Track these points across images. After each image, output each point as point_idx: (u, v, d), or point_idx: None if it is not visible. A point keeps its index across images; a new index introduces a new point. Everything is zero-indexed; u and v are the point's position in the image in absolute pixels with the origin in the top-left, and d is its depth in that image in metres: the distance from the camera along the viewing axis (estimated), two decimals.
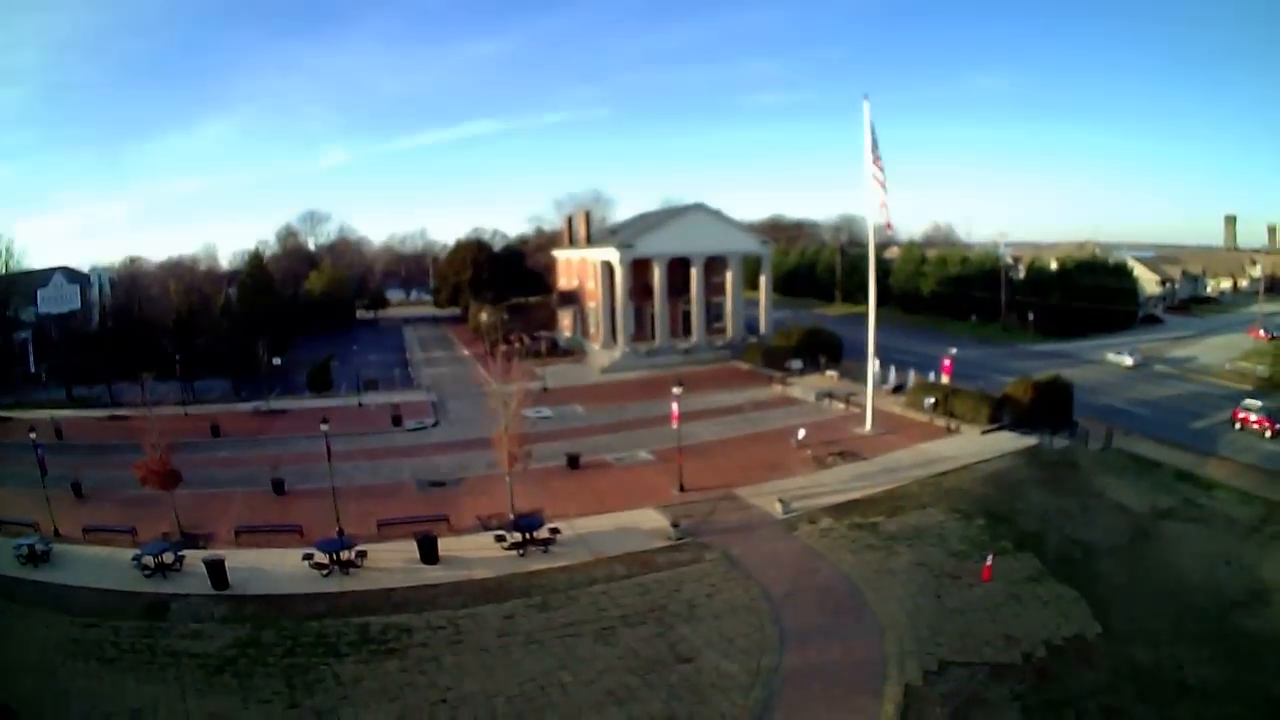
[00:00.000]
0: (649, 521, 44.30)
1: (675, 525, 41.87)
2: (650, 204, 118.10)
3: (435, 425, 72.24)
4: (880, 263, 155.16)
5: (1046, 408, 61.38)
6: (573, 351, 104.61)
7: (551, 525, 41.70)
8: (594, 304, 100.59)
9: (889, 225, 61.70)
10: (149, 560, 38.86)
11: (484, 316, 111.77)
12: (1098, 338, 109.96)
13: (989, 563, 36.06)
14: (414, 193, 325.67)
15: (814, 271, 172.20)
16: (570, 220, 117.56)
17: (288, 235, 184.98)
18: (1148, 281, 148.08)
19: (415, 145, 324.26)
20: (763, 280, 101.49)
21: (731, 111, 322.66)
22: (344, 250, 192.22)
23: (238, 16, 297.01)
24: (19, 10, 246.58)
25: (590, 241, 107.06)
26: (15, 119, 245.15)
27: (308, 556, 39.00)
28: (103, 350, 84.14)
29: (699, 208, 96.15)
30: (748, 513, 45.34)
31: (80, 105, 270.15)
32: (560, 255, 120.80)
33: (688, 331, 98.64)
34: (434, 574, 39.03)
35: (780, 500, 44.64)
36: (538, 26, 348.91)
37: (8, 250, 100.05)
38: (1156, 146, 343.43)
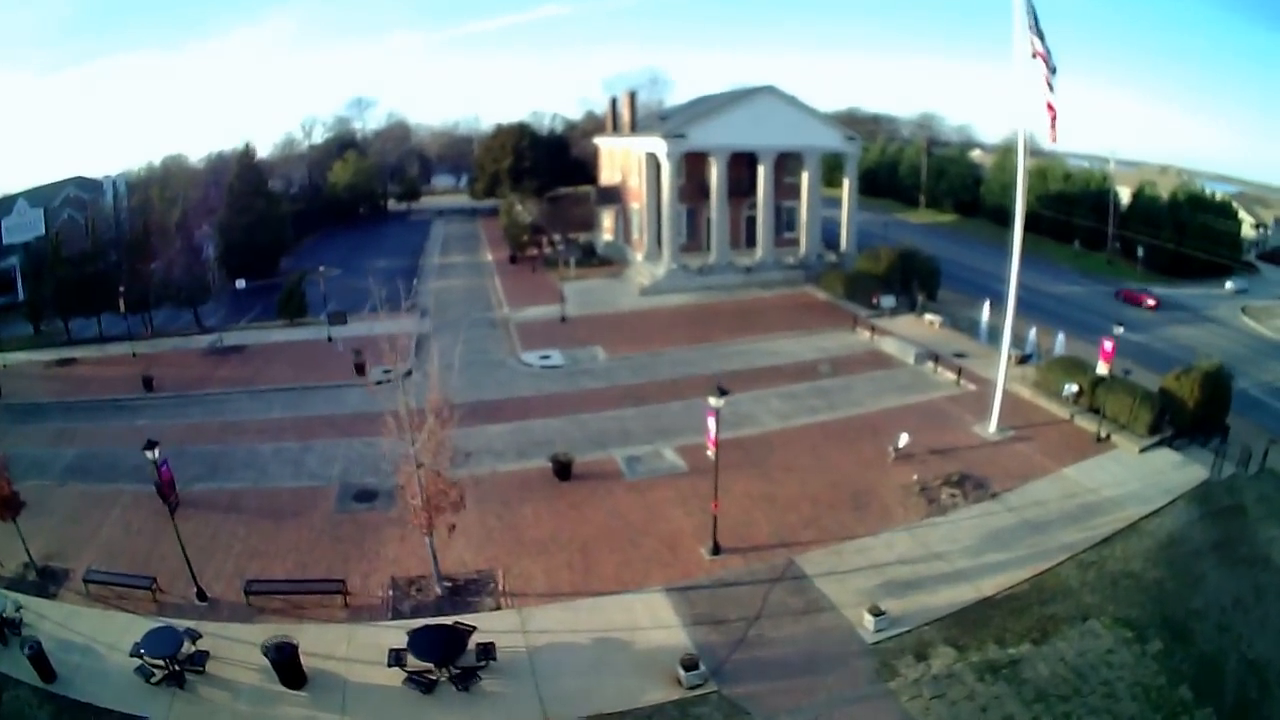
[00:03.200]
0: (653, 626, 26.94)
1: (691, 667, 23.92)
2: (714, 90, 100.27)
3: (408, 375, 55.14)
4: (969, 167, 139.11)
5: (1209, 409, 42.88)
6: (611, 261, 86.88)
7: (484, 641, 24.88)
8: (637, 205, 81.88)
9: (1053, 133, 39.06)
10: None
11: (517, 211, 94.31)
12: (1202, 284, 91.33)
13: None
14: (481, 81, 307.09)
15: (895, 172, 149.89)
16: (614, 103, 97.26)
17: (322, 125, 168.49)
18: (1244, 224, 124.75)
19: (486, 30, 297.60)
20: (846, 184, 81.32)
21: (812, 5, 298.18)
22: (389, 137, 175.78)
23: None
24: None
25: (636, 129, 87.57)
26: (72, 24, 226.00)
27: (137, 651, 24.17)
28: (78, 278, 69.27)
29: (770, 91, 75.58)
30: (816, 621, 27.13)
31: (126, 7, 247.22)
32: (603, 144, 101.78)
33: (751, 243, 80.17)
34: (289, 710, 23.30)
35: (871, 612, 26.35)
36: None
37: None
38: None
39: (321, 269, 71.67)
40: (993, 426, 42.21)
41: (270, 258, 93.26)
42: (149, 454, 27.36)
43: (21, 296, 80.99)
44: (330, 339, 61.38)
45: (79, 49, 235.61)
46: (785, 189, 79.62)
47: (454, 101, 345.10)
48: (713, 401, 28.20)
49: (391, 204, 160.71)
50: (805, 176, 77.70)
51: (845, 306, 67.62)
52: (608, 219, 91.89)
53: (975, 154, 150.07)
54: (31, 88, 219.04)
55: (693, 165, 77.04)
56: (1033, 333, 56.20)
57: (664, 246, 75.07)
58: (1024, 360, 53.22)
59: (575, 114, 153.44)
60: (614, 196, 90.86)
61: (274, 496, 37.53)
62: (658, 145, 73.48)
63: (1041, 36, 36.87)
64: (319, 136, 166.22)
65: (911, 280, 70.02)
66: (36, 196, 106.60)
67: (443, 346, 60.36)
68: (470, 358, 57.25)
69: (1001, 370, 42.49)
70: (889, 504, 34.86)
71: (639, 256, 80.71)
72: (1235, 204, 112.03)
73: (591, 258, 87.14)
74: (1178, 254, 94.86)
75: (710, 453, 30.09)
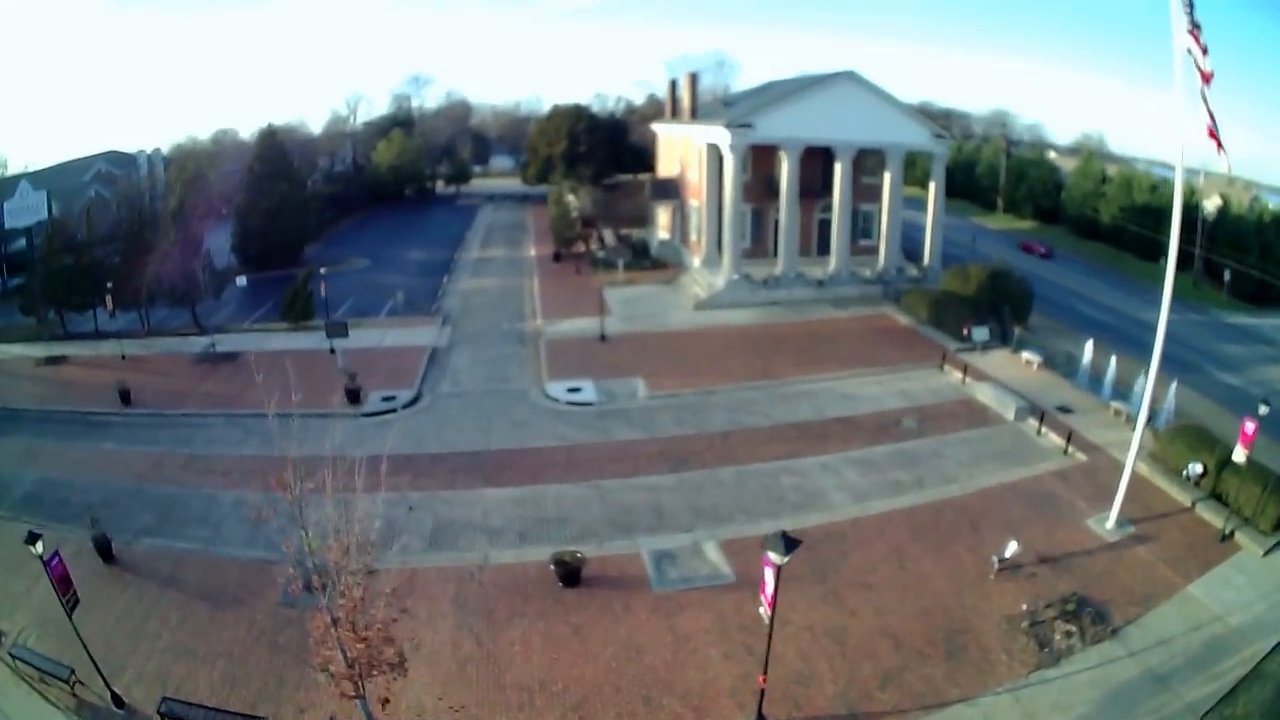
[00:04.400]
0: None
1: None
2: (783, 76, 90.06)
3: (414, 402, 47.27)
4: (1050, 171, 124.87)
5: None
6: (665, 264, 77.26)
7: None
8: (696, 202, 72.45)
9: (1220, 149, 27.92)
10: None
11: (566, 201, 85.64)
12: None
13: None
14: (548, 62, 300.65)
15: (972, 172, 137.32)
16: (674, 85, 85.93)
17: (367, 103, 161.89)
18: None
19: (558, 8, 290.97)
20: (933, 188, 70.51)
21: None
22: (448, 115, 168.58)
23: None
24: None
25: (697, 116, 77.17)
26: None
27: None
28: (68, 268, 62.44)
29: (850, 77, 64.99)
30: None
31: None
32: (661, 131, 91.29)
33: (823, 251, 70.37)
34: None
35: None
36: None
37: None
38: None
39: (324, 270, 63.00)
40: (1111, 521, 32.94)
41: (293, 246, 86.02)
42: (33, 548, 21.71)
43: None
44: (332, 350, 53.03)
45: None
46: (862, 191, 69.66)
47: (519, 81, 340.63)
48: (774, 557, 18.81)
49: (441, 186, 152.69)
50: (887, 177, 67.58)
51: (930, 336, 57.67)
52: (664, 215, 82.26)
53: (1052, 155, 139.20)
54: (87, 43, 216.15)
55: (760, 159, 67.68)
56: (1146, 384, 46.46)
57: (724, 252, 65.43)
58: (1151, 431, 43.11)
59: (638, 97, 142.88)
60: (671, 191, 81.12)
61: (220, 570, 30.43)
62: (720, 135, 63.57)
63: (1198, 30, 27.03)
64: (372, 114, 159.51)
65: (1003, 305, 60.04)
66: (65, 172, 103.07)
67: (458, 368, 52.79)
68: (486, 385, 49.44)
69: (1133, 454, 32.95)
70: (990, 648, 25.61)
71: (696, 261, 71.42)
72: None
73: (644, 259, 77.87)
74: (1263, 281, 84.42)
75: (765, 613, 20.74)
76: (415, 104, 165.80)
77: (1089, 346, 52.72)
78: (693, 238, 74.38)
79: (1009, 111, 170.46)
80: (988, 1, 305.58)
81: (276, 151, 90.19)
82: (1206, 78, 26.89)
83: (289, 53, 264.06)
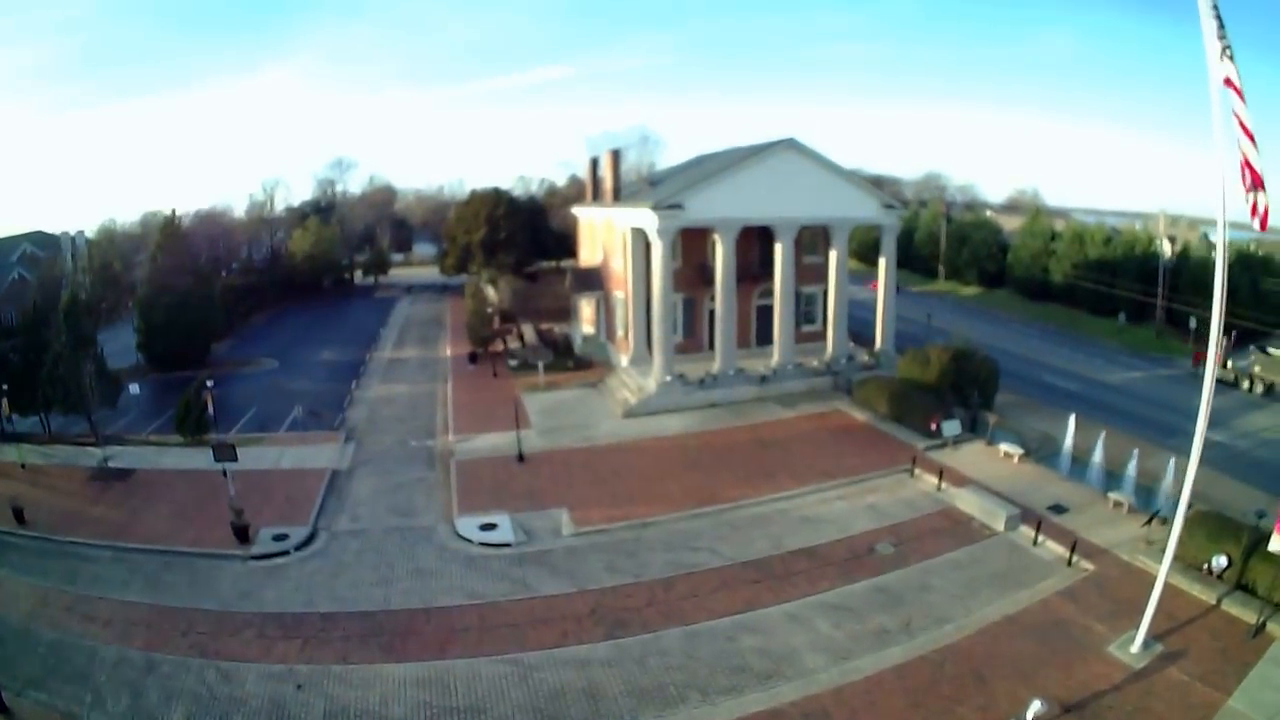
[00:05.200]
0: None
1: None
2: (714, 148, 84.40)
3: (309, 541, 39.17)
4: (993, 233, 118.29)
5: None
6: (591, 363, 69.72)
7: None
8: (621, 294, 65.26)
9: (1259, 213, 21.72)
10: None
11: (482, 295, 78.47)
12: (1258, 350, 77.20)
13: None
14: (474, 140, 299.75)
15: (910, 240, 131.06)
16: (594, 164, 78.54)
17: (285, 188, 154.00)
18: None
19: (479, 91, 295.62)
20: (883, 265, 64.59)
21: (806, 64, 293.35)
22: (370, 201, 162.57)
23: None
24: None
25: (619, 197, 69.87)
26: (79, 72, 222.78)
27: None
28: None
29: (789, 146, 58.85)
30: None
31: (136, 54, 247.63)
32: (582, 215, 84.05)
33: (763, 340, 63.70)
34: None
35: None
36: None
37: None
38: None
39: (210, 384, 55.31)
40: (1138, 644, 27.26)
41: (200, 345, 77.83)
42: None
43: None
44: (224, 473, 44.82)
45: (74, 94, 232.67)
46: (804, 271, 63.42)
47: (443, 164, 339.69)
48: None
49: (360, 276, 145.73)
50: (834, 256, 61.38)
51: (893, 433, 50.78)
52: (587, 308, 74.67)
53: (988, 214, 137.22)
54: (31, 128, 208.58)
55: (691, 243, 60.96)
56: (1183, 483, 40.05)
57: (655, 350, 58.00)
58: (1152, 518, 37.55)
59: (561, 179, 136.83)
60: (594, 281, 73.56)
61: None
62: (646, 218, 56.52)
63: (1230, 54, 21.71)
64: (295, 199, 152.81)
65: (970, 390, 53.78)
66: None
67: (359, 496, 43.72)
68: (389, 520, 41.32)
69: (1164, 570, 27.10)
70: None
71: (624, 359, 64.01)
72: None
73: (567, 358, 70.07)
74: (1229, 326, 78.46)
75: None
76: (339, 189, 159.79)
77: (1070, 426, 47.80)
78: (620, 333, 66.99)
79: (940, 174, 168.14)
80: (912, 62, 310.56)
81: (180, 241, 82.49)
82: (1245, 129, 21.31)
83: (220, 134, 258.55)
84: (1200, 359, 72.72)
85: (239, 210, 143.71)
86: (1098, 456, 45.63)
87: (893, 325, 65.18)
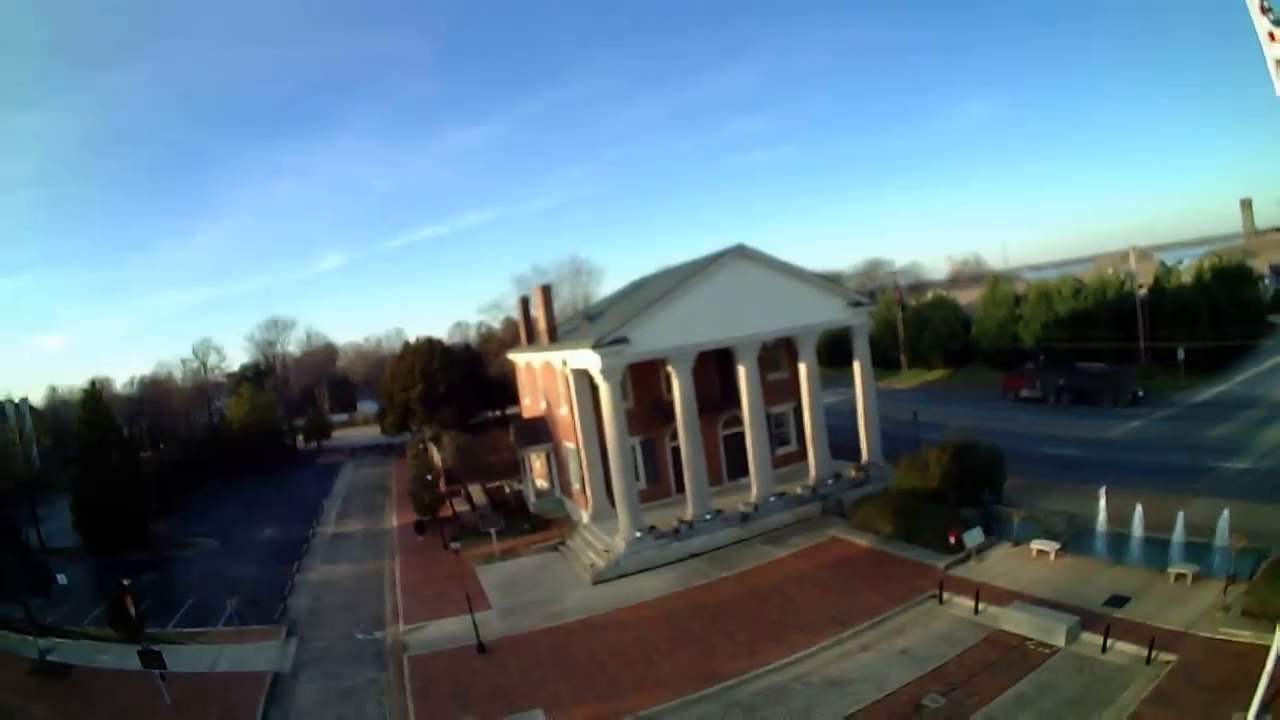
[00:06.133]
0: None
1: None
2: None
3: None
4: (953, 311, 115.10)
5: None
6: (549, 522, 62.18)
7: None
8: (572, 445, 58.22)
9: None
10: None
11: (424, 457, 71.48)
12: (1248, 366, 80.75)
13: None
14: (409, 290, 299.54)
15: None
16: (525, 304, 72.63)
17: (217, 353, 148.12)
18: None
19: (410, 242, 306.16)
20: (858, 369, 58.75)
21: (721, 174, 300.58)
22: (310, 361, 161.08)
23: (225, 124, 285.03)
24: None
25: (556, 338, 63.07)
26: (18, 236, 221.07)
27: None
28: None
29: (739, 254, 52.80)
30: None
31: (71, 219, 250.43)
32: (519, 360, 76.96)
33: (737, 472, 57.11)
34: None
35: None
36: (523, 109, 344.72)
37: None
38: (1141, 147, 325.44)
39: (127, 583, 47.88)
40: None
41: (135, 524, 72.97)
42: None
43: None
44: (162, 676, 37.26)
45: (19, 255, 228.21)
46: (770, 389, 57.54)
47: (379, 317, 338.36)
48: None
49: (303, 442, 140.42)
50: (803, 369, 55.23)
51: (905, 555, 44.03)
52: (538, 460, 67.41)
53: (944, 293, 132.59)
54: None
55: (642, 377, 54.82)
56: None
57: (619, 505, 50.62)
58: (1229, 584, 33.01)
59: (497, 322, 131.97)
60: (539, 433, 66.06)
61: None
62: (588, 359, 49.84)
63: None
64: (233, 362, 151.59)
65: (979, 486, 47.74)
66: None
67: (304, 707, 38.31)
68: None
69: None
70: None
71: (585, 515, 56.65)
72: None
73: (522, 519, 62.66)
74: (1219, 345, 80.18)
75: None
76: (277, 350, 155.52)
77: (1102, 502, 41.82)
78: (575, 486, 59.70)
79: (881, 260, 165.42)
80: (829, 155, 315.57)
81: (102, 414, 76.40)
82: None
83: (159, 297, 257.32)
84: (1014, 384, 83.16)
85: (179, 376, 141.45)
86: (1138, 528, 39.79)
87: (878, 432, 58.85)
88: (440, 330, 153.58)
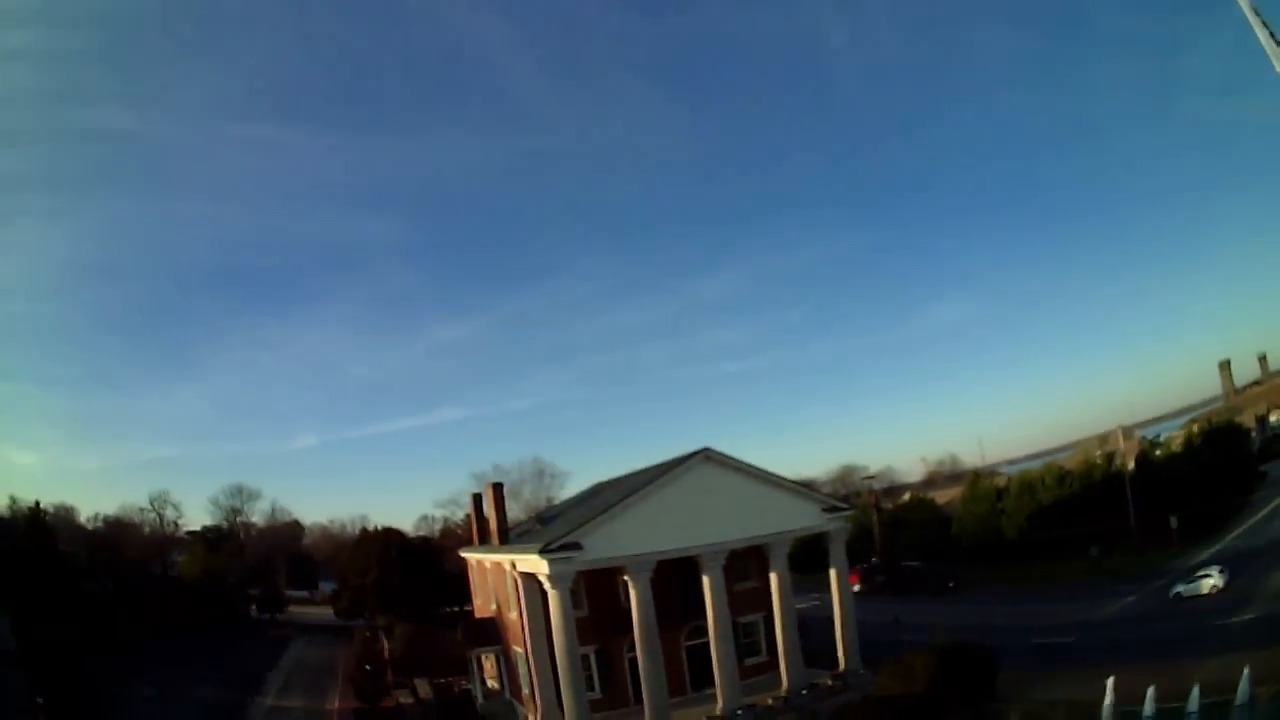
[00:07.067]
0: None
1: None
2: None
3: None
4: (931, 512, 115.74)
5: None
6: None
7: None
8: (521, 650, 54.19)
9: None
10: None
11: (375, 643, 68.09)
12: (1242, 519, 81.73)
13: None
14: (380, 477, 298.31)
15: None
16: (478, 502, 67.96)
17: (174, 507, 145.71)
18: None
19: (384, 430, 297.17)
20: (835, 576, 55.59)
21: (700, 383, 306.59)
22: (274, 532, 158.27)
23: (210, 283, 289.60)
24: None
25: (506, 540, 59.45)
26: None
27: None
28: None
29: (705, 458, 50.53)
30: None
31: (56, 341, 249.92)
32: (471, 558, 73.06)
33: (701, 683, 52.67)
34: None
35: None
36: (502, 311, 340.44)
37: None
38: (1111, 329, 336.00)
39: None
40: None
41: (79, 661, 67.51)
42: None
43: None
44: None
45: None
46: (738, 598, 53.93)
47: (348, 501, 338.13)
48: None
49: (257, 612, 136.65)
50: (774, 579, 52.22)
51: None
52: (488, 661, 63.05)
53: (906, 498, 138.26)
54: None
55: (599, 583, 51.52)
56: None
57: (569, 710, 46.50)
58: None
59: (459, 515, 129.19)
60: (489, 634, 61.76)
61: None
62: (537, 564, 46.56)
63: None
64: (193, 521, 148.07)
65: (973, 687, 43.78)
66: None
67: None
68: None
69: None
70: None
71: None
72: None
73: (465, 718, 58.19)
74: (1210, 503, 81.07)
75: None
76: (239, 519, 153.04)
77: (1109, 690, 36.71)
78: (525, 691, 55.36)
79: (854, 465, 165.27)
80: (805, 364, 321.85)
81: (40, 544, 74.42)
82: None
83: (134, 447, 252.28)
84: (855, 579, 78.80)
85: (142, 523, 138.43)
86: (1150, 705, 35.06)
87: (855, 639, 55.22)
88: (407, 521, 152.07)
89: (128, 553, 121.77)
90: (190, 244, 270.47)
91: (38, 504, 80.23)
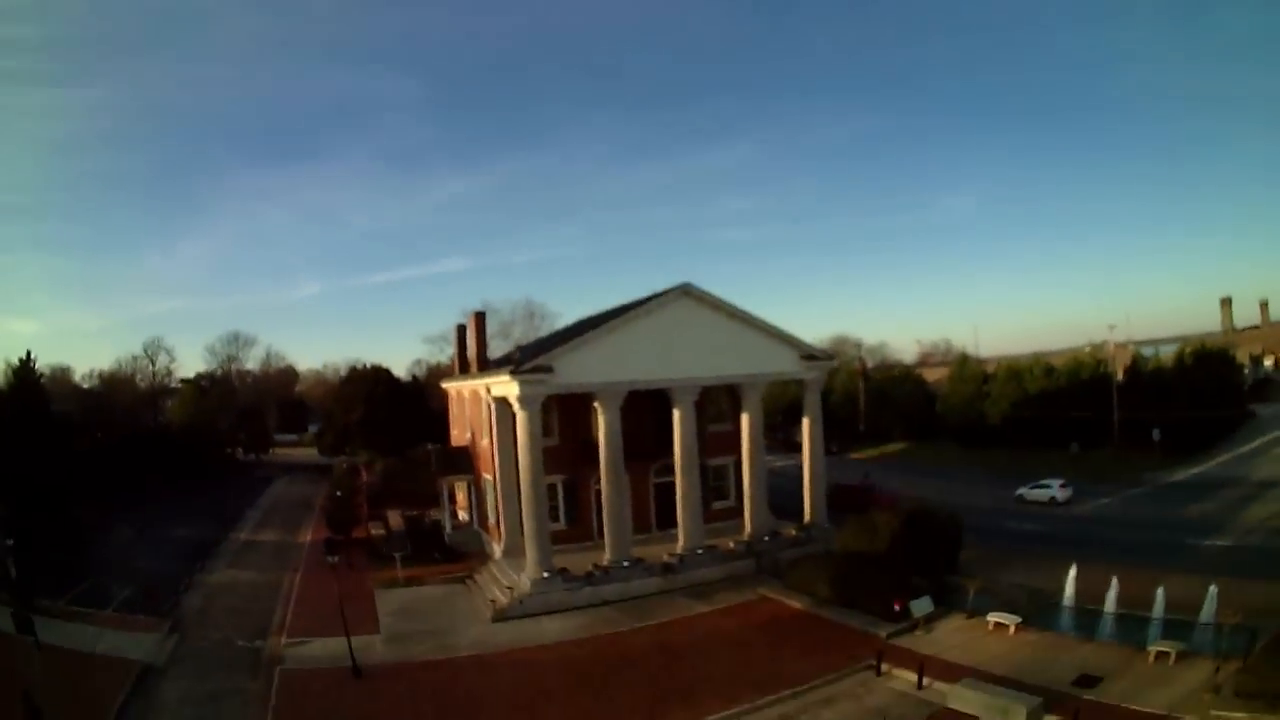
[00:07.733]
0: None
1: None
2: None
3: None
4: (918, 385, 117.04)
5: None
6: (464, 555, 58.68)
7: None
8: (489, 477, 55.10)
9: None
10: None
11: (352, 475, 71.83)
12: (1226, 448, 79.90)
13: None
14: (380, 327, 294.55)
15: (826, 402, 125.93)
16: (460, 332, 69.38)
17: (167, 353, 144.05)
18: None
19: (386, 280, 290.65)
20: (807, 425, 56.28)
21: (702, 248, 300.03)
22: (269, 378, 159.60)
23: (216, 136, 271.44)
24: None
25: (485, 365, 60.38)
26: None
27: None
28: None
29: (684, 293, 50.55)
30: None
31: (53, 206, 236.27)
32: (451, 389, 74.36)
33: (667, 522, 53.65)
34: None
35: None
36: (512, 165, 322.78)
37: None
38: (1119, 243, 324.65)
39: (9, 541, 46.77)
40: None
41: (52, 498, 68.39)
42: None
43: None
44: (37, 645, 35.89)
45: None
46: (712, 440, 54.78)
47: (346, 348, 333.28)
48: None
49: (244, 453, 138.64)
50: (745, 419, 52.71)
51: (843, 620, 40.88)
52: (460, 492, 64.25)
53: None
54: None
55: (571, 414, 52.07)
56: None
57: (528, 541, 47.38)
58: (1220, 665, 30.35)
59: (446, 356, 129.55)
60: (461, 463, 63.17)
61: None
62: (509, 387, 46.97)
63: None
64: (188, 369, 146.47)
65: (933, 555, 44.65)
66: None
67: (165, 702, 35.42)
68: None
69: None
70: None
71: (498, 548, 53.75)
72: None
73: (435, 548, 59.51)
74: (1195, 423, 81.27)
75: None
76: (234, 366, 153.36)
77: (1072, 574, 38.94)
78: (491, 520, 56.63)
79: (849, 337, 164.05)
80: (811, 237, 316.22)
81: (30, 393, 74.58)
82: None
83: (136, 301, 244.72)
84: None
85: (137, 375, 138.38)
86: (1111, 604, 36.58)
87: (823, 493, 56.22)
88: (400, 366, 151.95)
89: (121, 402, 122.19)
90: (196, 102, 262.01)
91: (24, 362, 79.34)
